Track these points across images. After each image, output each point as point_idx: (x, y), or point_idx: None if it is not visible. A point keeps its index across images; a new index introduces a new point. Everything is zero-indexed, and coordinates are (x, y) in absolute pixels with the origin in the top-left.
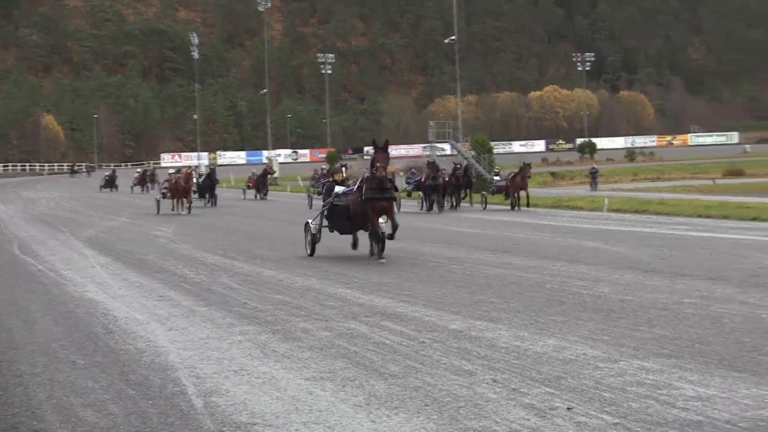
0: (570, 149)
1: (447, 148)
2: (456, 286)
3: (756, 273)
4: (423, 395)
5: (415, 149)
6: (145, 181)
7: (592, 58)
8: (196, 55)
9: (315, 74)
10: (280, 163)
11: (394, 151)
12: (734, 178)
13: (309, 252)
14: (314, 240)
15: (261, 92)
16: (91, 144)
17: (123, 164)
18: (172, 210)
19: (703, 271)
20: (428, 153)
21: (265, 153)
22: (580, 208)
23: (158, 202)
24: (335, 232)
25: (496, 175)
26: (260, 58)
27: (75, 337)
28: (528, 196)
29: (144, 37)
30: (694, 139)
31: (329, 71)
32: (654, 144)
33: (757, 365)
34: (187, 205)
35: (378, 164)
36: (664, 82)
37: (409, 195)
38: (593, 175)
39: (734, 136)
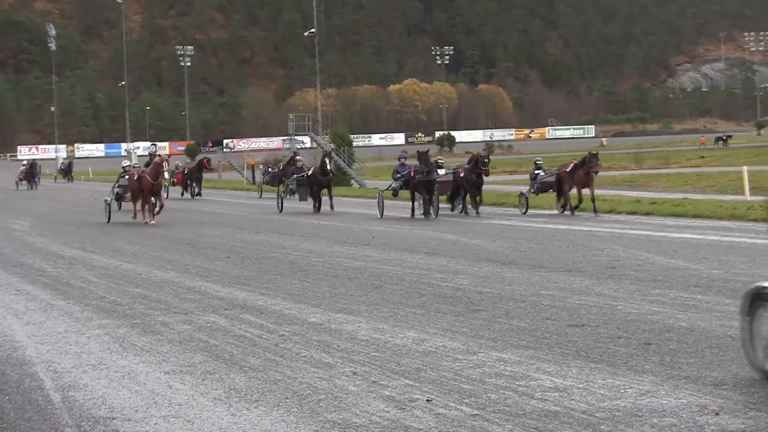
0: (429, 142)
1: (307, 140)
2: (316, 279)
3: (612, 265)
4: (283, 388)
5: (275, 142)
6: (33, 175)
7: (451, 52)
8: (53, 46)
9: (174, 67)
10: (139, 156)
11: (253, 143)
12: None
13: None
14: None
15: (119, 84)
16: None
17: None
18: (134, 218)
19: (560, 264)
20: (288, 146)
21: (124, 146)
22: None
23: (108, 205)
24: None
25: (538, 169)
26: (119, 50)
27: None
28: (594, 199)
29: None
30: (551, 132)
31: (188, 64)
32: (512, 137)
33: (613, 356)
34: (156, 210)
35: None
36: (522, 76)
37: (395, 194)
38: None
39: (591, 130)
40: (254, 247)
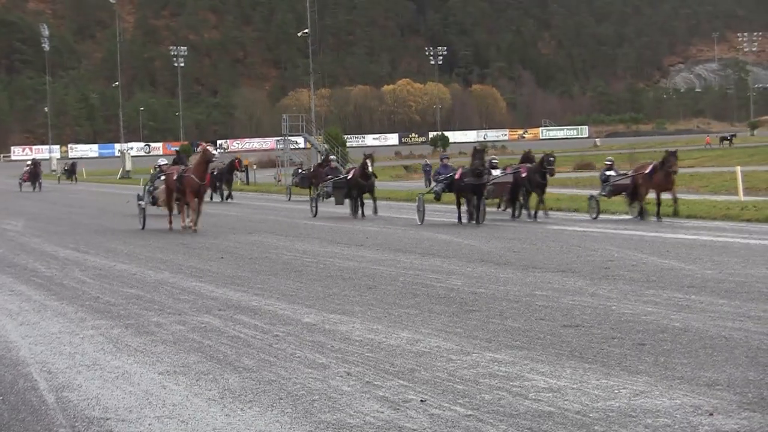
0: (423, 143)
1: (300, 141)
2: (310, 280)
3: (605, 265)
4: (277, 389)
5: (269, 143)
6: (37, 176)
7: (444, 52)
8: (46, 47)
9: (167, 67)
10: (133, 156)
11: (247, 144)
12: (585, 171)
13: None
14: None
15: (113, 85)
16: None
17: None
18: (170, 227)
19: (554, 264)
20: (282, 146)
21: (118, 146)
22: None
23: (143, 209)
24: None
25: (608, 169)
26: (112, 50)
27: None
28: (676, 201)
29: None
30: (545, 132)
31: (182, 64)
32: (506, 138)
33: (606, 356)
34: (192, 216)
35: None
36: (516, 77)
37: (437, 198)
38: (426, 173)
39: (584, 130)
40: (248, 247)
